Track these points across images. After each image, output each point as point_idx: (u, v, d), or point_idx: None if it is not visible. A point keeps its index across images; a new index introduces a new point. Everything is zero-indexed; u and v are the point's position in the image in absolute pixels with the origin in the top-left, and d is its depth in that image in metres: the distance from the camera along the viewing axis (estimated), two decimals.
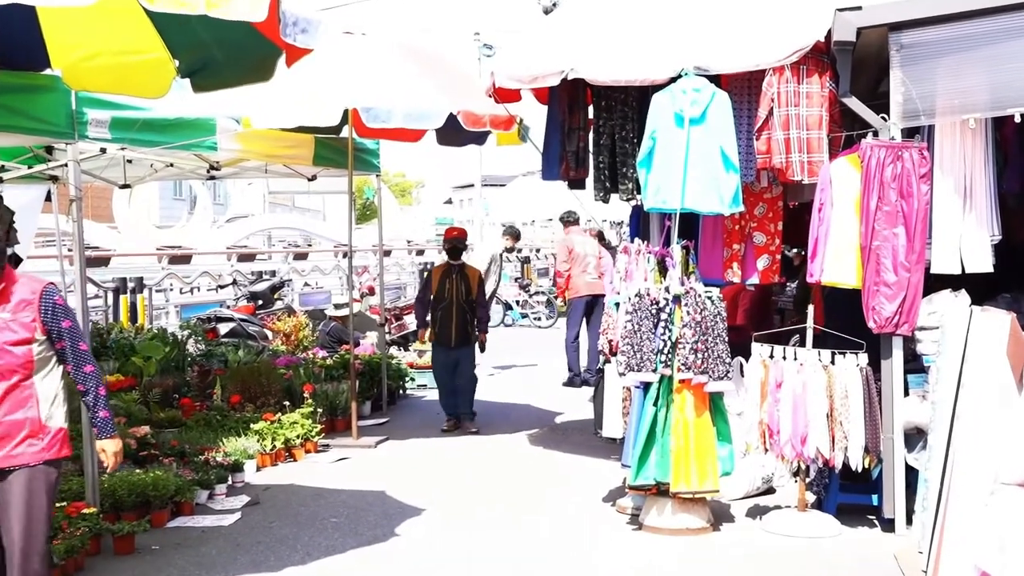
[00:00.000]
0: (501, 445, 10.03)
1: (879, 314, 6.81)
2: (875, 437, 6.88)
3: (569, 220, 14.14)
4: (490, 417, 11.30)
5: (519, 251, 25.20)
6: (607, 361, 7.91)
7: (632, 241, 7.77)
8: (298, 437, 9.33)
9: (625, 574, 6.42)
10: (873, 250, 6.82)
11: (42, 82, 6.72)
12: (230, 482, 8.28)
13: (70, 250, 8.42)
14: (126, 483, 7.22)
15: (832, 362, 6.95)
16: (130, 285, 13.57)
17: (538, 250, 33.40)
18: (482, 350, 11.12)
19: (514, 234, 16.11)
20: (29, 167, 8.37)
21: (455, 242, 10.96)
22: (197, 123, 8.02)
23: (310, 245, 28.38)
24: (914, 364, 7.11)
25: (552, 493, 8.19)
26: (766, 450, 7.13)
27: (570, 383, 13.49)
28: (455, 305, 10.64)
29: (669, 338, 6.93)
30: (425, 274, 11.82)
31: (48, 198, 10.85)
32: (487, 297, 12.34)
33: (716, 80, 7.29)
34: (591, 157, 8.61)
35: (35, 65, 6.67)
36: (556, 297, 13.27)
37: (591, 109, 8.58)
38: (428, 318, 10.80)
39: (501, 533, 7.21)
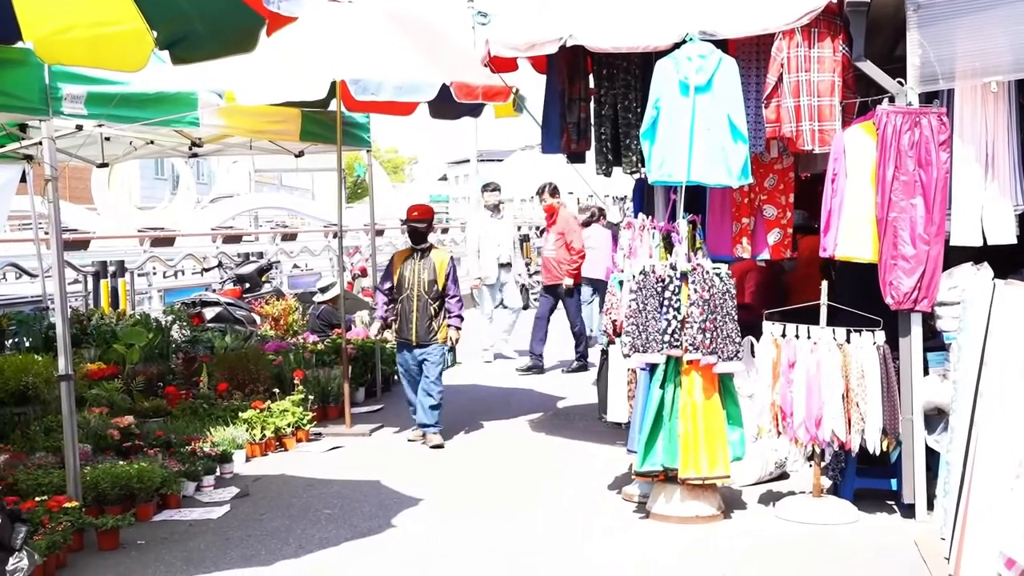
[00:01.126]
0: (502, 432, 9.76)
1: (897, 289, 6.54)
2: (893, 419, 6.63)
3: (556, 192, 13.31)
4: (490, 403, 10.99)
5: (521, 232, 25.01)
6: (611, 342, 7.65)
7: (636, 216, 7.49)
8: (289, 426, 9.05)
9: (630, 565, 6.19)
10: (890, 222, 6.55)
11: (13, 56, 6.45)
12: (218, 473, 8.02)
13: (47, 233, 8.11)
14: (109, 475, 6.97)
15: (847, 340, 6.69)
16: (111, 269, 13.28)
17: (538, 227, 33.09)
18: (451, 350, 10.19)
19: (492, 188, 14.18)
20: (1, 146, 8.06)
21: (416, 223, 9.42)
22: (177, 97, 7.69)
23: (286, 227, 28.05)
24: (934, 341, 6.86)
25: (554, 481, 7.94)
26: (779, 433, 6.89)
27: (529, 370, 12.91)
28: (416, 297, 9.13)
29: (675, 317, 6.66)
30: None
31: (23, 179, 10.56)
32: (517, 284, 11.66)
33: (723, 45, 7.00)
34: (592, 128, 8.30)
35: (5, 38, 6.37)
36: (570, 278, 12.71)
37: (592, 78, 8.27)
38: (386, 312, 9.39)
39: (501, 524, 6.95)
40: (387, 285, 9.32)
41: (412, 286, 9.13)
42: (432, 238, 10.12)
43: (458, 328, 9.30)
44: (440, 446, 9.03)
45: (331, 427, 9.69)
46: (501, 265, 13.57)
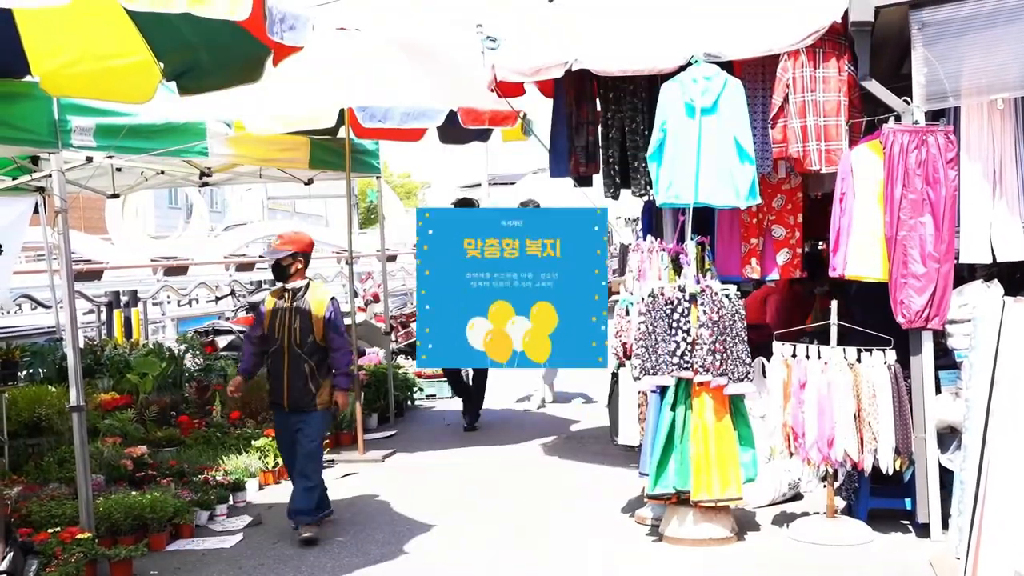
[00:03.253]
0: (515, 456, 9.71)
1: (908, 308, 6.50)
2: (906, 438, 6.59)
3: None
4: (503, 426, 10.97)
5: None
6: (621, 365, 7.62)
7: (644, 238, 7.47)
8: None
9: None
10: (899, 241, 6.52)
11: (21, 89, 6.51)
12: (231, 502, 8.00)
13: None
14: (122, 506, 6.96)
15: (858, 360, 6.65)
16: (124, 299, 13.31)
17: None
18: (334, 418, 8.77)
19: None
20: (13, 179, 8.10)
21: (280, 256, 7.37)
22: (186, 128, 7.74)
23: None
24: (945, 360, 6.80)
25: (568, 505, 7.89)
26: (791, 454, 6.85)
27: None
28: (287, 350, 7.25)
29: (685, 339, 6.64)
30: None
31: (37, 210, 10.59)
32: None
33: (728, 67, 7.00)
34: (600, 152, 8.30)
35: (14, 72, 6.43)
36: None
37: (599, 101, 8.27)
38: (250, 364, 7.59)
39: (515, 549, 6.92)
40: (257, 332, 7.49)
41: (282, 336, 7.28)
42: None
43: (347, 389, 7.50)
44: (312, 541, 7.07)
45: (344, 453, 9.66)
46: None
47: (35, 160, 7.74)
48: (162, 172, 9.79)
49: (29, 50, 6.15)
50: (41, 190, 9.46)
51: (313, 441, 7.29)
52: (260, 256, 18.20)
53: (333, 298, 7.40)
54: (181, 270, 17.06)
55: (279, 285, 7.51)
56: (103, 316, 13.44)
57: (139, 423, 9.31)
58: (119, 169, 9.18)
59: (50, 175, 6.94)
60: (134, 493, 7.29)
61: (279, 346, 7.27)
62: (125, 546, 6.58)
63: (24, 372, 9.42)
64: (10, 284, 11.66)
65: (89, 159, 7.46)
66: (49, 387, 8.94)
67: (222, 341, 12.65)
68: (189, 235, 23.57)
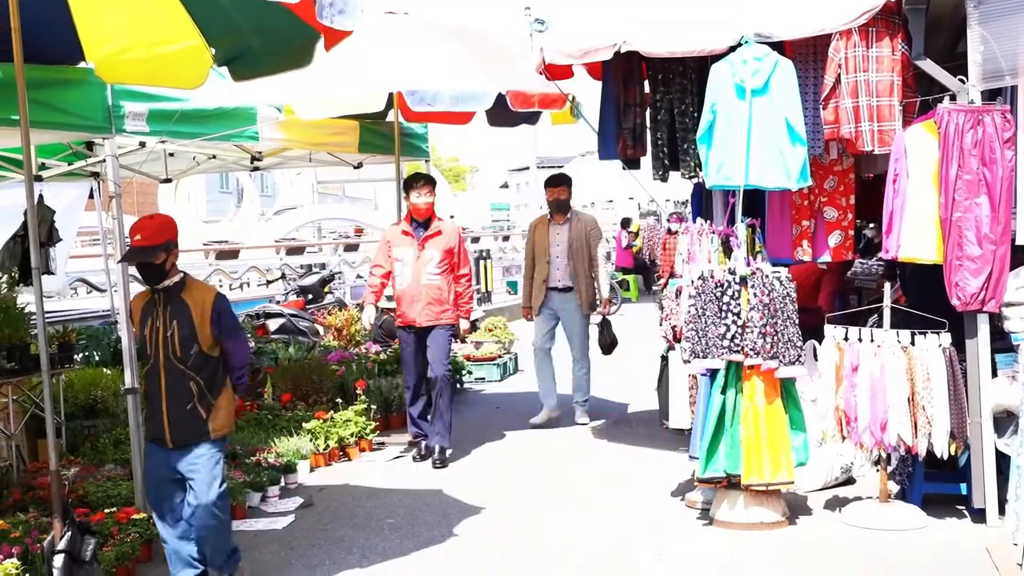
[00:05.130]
0: (564, 439, 9.70)
1: (963, 290, 6.41)
2: (961, 422, 6.49)
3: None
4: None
5: None
6: (671, 348, 7.59)
7: (694, 221, 7.42)
8: (352, 435, 9.08)
9: (697, 572, 6.12)
10: (954, 222, 6.42)
11: (76, 76, 6.59)
12: (283, 483, 8.06)
13: (114, 248, 8.24)
14: None
15: (912, 343, 6.57)
16: None
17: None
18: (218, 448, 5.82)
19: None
20: (69, 164, 8.22)
21: (152, 256, 5.57)
22: (237, 112, 7.80)
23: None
24: (1002, 342, 6.69)
25: (617, 488, 7.89)
26: (843, 438, 6.78)
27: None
28: (164, 366, 5.60)
29: (735, 322, 6.59)
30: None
31: (92, 195, 10.73)
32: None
33: (779, 47, 6.91)
34: (648, 134, 8.24)
35: (69, 59, 6.51)
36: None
37: (647, 83, 8.21)
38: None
39: (564, 531, 6.92)
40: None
41: (155, 350, 5.62)
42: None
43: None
44: None
45: (394, 436, 9.71)
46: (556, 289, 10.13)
47: (90, 146, 7.83)
48: (213, 157, 9.86)
49: (83, 37, 6.21)
50: (96, 175, 9.64)
51: (211, 485, 5.61)
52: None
53: (219, 294, 5.80)
54: (232, 254, 17.21)
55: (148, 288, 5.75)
56: None
57: None
58: (171, 154, 9.26)
59: (104, 160, 7.03)
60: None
61: (154, 363, 5.62)
62: None
63: (80, 355, 9.54)
64: (66, 268, 11.82)
65: (142, 144, 7.54)
66: (104, 370, 9.06)
67: (273, 324, 12.74)
68: (240, 219, 23.78)
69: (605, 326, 10.33)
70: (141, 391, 5.78)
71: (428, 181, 8.84)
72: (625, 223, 25.66)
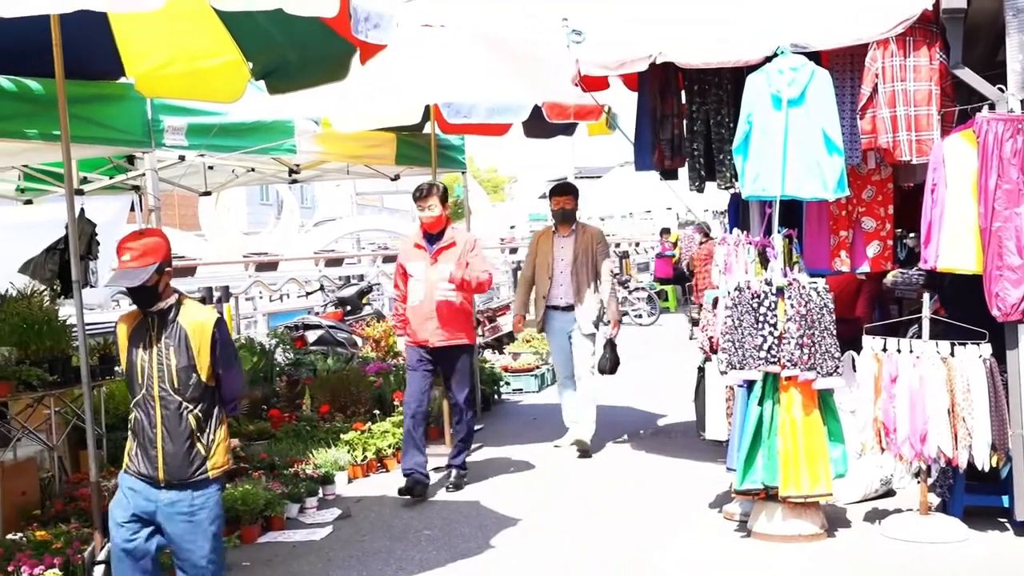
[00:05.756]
0: (601, 450, 9.66)
1: (1004, 301, 6.33)
2: (1002, 433, 6.43)
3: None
4: None
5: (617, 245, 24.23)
6: (707, 359, 7.56)
7: (731, 232, 7.39)
8: (389, 447, 9.09)
9: None
10: (994, 232, 6.36)
11: (116, 91, 6.70)
12: (321, 495, 8.09)
13: None
14: None
15: (952, 353, 6.51)
16: (216, 294, 13.54)
17: (637, 244, 32.81)
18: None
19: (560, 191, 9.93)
20: (110, 177, 8.33)
21: (144, 278, 4.94)
22: (275, 126, 7.89)
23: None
24: None
25: (655, 500, 7.86)
26: (882, 450, 6.73)
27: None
28: (159, 399, 5.03)
29: (772, 333, 6.56)
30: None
31: (133, 208, 10.86)
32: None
33: (815, 57, 6.88)
34: (685, 145, 8.22)
35: (109, 74, 6.61)
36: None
37: (683, 94, 8.20)
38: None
39: (602, 543, 6.90)
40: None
41: (148, 380, 5.06)
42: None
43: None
44: None
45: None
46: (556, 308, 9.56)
47: (131, 159, 7.94)
48: (252, 169, 9.96)
49: (123, 52, 6.33)
50: (136, 188, 9.74)
51: (208, 536, 5.12)
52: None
53: (220, 319, 5.21)
54: (272, 266, 17.32)
55: (135, 309, 5.19)
56: None
57: (232, 417, 9.42)
58: (211, 167, 9.36)
59: (144, 174, 7.11)
60: (227, 486, 7.41)
61: (144, 395, 5.07)
62: None
63: (120, 367, 9.64)
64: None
65: (181, 158, 7.63)
66: None
67: (312, 336, 12.79)
68: (280, 231, 23.91)
69: (609, 348, 9.58)
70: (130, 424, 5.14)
71: (432, 192, 8.19)
72: (663, 232, 25.66)
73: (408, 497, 7.93)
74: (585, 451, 9.38)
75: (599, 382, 9.81)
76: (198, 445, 5.05)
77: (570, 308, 9.38)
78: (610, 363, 9.56)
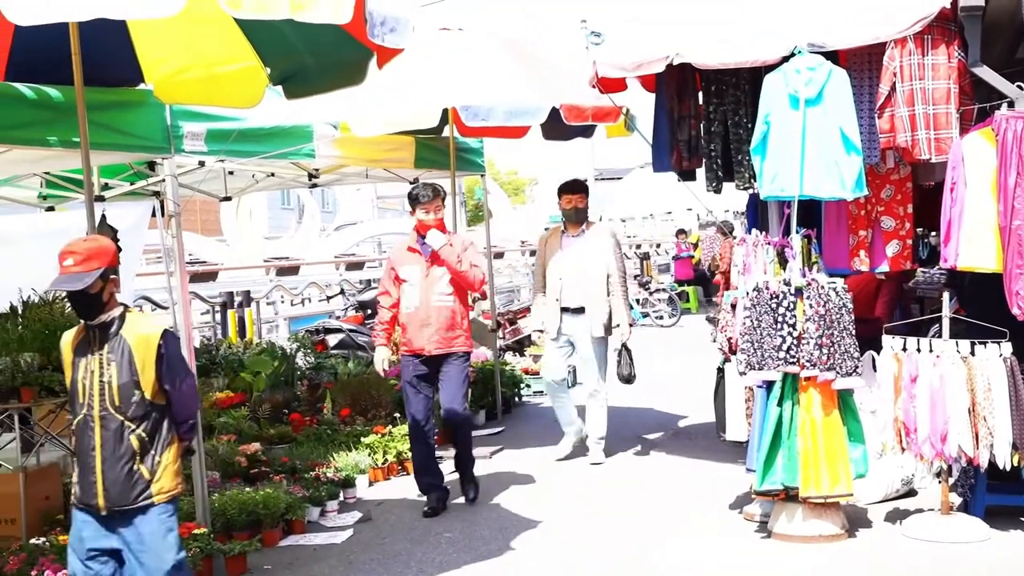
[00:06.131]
0: (620, 451, 9.65)
1: None
2: None
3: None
4: (609, 423, 10.85)
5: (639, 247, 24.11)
6: (726, 360, 7.54)
7: (749, 232, 7.38)
8: (410, 450, 9.07)
9: None
10: (1014, 230, 6.32)
11: (136, 97, 6.72)
12: (342, 498, 8.12)
13: None
14: (237, 502, 7.12)
15: (972, 353, 6.48)
16: (237, 299, 13.60)
17: (658, 245, 32.75)
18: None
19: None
20: (131, 184, 8.37)
21: (87, 284, 4.66)
22: (293, 131, 7.90)
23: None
24: None
25: (675, 501, 7.85)
26: (903, 450, 6.70)
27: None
28: (99, 419, 4.73)
29: (791, 333, 6.54)
30: None
31: (154, 214, 10.91)
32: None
33: (833, 57, 6.86)
34: (702, 145, 8.21)
35: (128, 81, 6.65)
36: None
37: (701, 95, 8.19)
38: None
39: (622, 545, 6.90)
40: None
41: (89, 399, 4.75)
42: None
43: (191, 451, 5.31)
44: None
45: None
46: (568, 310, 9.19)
47: (151, 165, 7.97)
48: (272, 174, 9.99)
49: (142, 59, 6.37)
50: (157, 194, 9.79)
51: (165, 560, 4.78)
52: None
53: (167, 331, 4.87)
54: (293, 270, 17.37)
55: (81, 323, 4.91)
56: (218, 316, 13.76)
57: (253, 421, 9.49)
58: (231, 172, 9.39)
59: (164, 179, 7.15)
60: (248, 489, 7.45)
61: (87, 414, 4.75)
62: (240, 541, 6.72)
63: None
64: (133, 286, 12.02)
65: (201, 163, 7.65)
66: None
67: (332, 340, 12.84)
68: (301, 235, 23.98)
69: (624, 354, 9.18)
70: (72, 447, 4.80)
71: (439, 194, 7.90)
72: (678, 233, 25.63)
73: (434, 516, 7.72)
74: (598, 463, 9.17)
75: (609, 388, 9.40)
76: (141, 468, 4.74)
77: (580, 311, 9.04)
78: (627, 373, 9.24)
